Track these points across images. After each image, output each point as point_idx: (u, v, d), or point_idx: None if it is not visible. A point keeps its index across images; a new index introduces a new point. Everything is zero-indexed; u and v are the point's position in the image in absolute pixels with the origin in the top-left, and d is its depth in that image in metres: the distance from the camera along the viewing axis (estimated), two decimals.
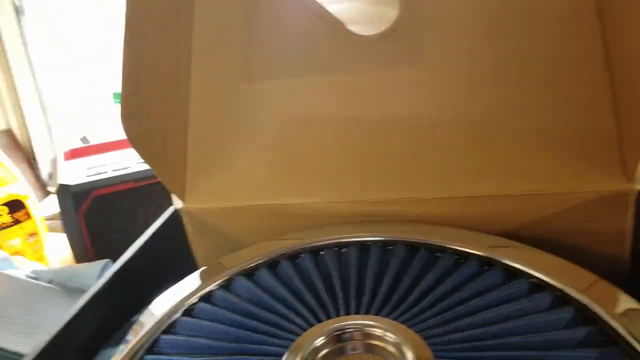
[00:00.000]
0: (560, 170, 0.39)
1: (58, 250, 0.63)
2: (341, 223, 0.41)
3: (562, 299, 0.31)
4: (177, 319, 0.34)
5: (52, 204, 0.77)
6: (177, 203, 0.46)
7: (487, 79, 0.39)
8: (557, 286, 0.32)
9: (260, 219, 0.44)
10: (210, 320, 0.33)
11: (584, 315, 0.30)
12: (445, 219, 0.40)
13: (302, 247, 0.39)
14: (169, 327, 0.34)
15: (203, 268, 0.39)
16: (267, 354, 0.29)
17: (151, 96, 0.41)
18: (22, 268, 0.55)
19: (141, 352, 0.32)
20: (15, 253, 0.57)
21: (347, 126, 0.42)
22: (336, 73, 0.41)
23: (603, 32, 0.37)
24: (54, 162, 0.58)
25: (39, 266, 0.56)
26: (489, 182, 0.39)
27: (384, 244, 0.38)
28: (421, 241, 0.38)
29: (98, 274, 0.50)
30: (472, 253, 0.36)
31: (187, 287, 0.38)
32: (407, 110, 0.40)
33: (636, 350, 0.26)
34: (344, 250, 0.38)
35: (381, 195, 0.40)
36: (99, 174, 0.53)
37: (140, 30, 0.37)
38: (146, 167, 0.53)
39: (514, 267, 0.34)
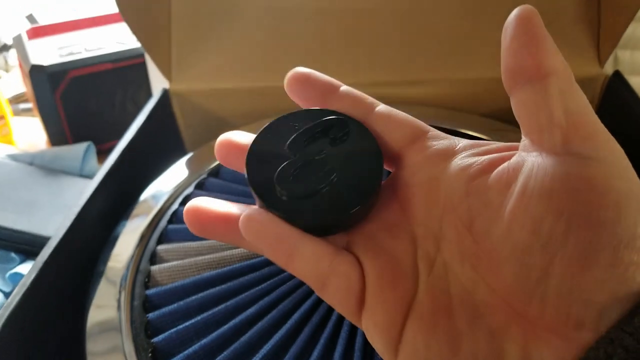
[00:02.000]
0: None
1: (25, 135, 0.62)
2: None
3: None
4: (192, 192, 0.36)
5: (5, 88, 0.72)
6: (164, 84, 0.46)
7: None
8: None
9: (249, 101, 0.45)
10: (225, 193, 0.36)
11: None
12: (436, 101, 0.43)
13: None
14: (184, 200, 0.36)
15: (206, 145, 0.41)
16: None
17: None
18: None
19: (163, 223, 0.34)
20: None
21: (339, 12, 0.42)
22: None
23: None
24: (17, 41, 0.54)
25: (13, 150, 0.54)
26: (476, 67, 0.42)
27: None
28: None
29: (82, 156, 0.50)
30: (462, 132, 0.40)
31: (191, 164, 0.40)
32: None
33: None
34: None
35: (373, 77, 0.43)
36: (72, 54, 0.50)
37: None
38: (122, 47, 0.51)
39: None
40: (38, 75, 0.49)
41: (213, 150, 0.40)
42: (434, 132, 0.19)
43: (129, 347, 0.27)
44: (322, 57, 0.44)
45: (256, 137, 0.20)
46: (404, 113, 0.20)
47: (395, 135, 0.19)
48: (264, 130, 0.20)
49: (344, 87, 0.20)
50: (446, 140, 0.19)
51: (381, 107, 0.20)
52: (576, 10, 0.42)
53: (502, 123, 0.41)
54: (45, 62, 0.49)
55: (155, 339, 0.27)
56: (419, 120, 0.20)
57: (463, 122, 0.40)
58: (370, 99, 0.20)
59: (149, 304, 0.29)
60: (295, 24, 0.44)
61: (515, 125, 0.42)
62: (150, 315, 0.28)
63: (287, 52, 0.44)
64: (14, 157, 0.51)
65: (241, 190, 0.35)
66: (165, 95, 0.45)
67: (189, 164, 0.40)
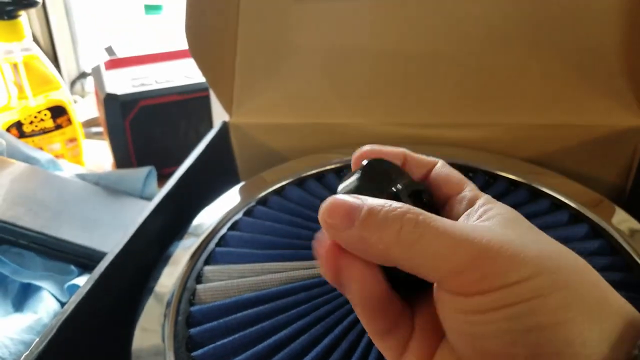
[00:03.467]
0: (587, 105, 0.42)
1: (93, 156, 0.67)
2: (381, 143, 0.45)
3: (578, 217, 0.36)
4: (240, 218, 0.38)
5: (80, 112, 0.79)
6: (224, 117, 0.49)
7: (527, 14, 0.42)
8: (574, 206, 0.37)
9: (304, 136, 0.48)
10: (271, 221, 0.37)
11: (596, 231, 0.35)
12: (478, 143, 0.44)
13: (344, 162, 0.43)
14: (232, 225, 0.38)
15: (257, 176, 0.43)
16: None
17: (209, 10, 0.43)
18: (67, 170, 0.58)
19: (211, 245, 0.36)
20: (56, 157, 0.61)
21: (391, 55, 0.44)
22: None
23: None
24: (95, 71, 0.59)
25: (82, 169, 0.59)
26: (521, 112, 0.43)
27: None
28: (455, 162, 0.42)
29: (144, 180, 0.54)
30: (501, 175, 0.40)
31: (242, 192, 0.42)
32: (448, 42, 0.43)
33: (636, 262, 0.31)
34: None
35: (422, 119, 0.44)
36: (144, 85, 0.55)
37: None
38: (189, 81, 0.56)
39: (537, 189, 0.39)
40: (111, 103, 0.54)
41: (263, 181, 0.43)
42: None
43: (170, 359, 0.29)
44: (372, 97, 0.46)
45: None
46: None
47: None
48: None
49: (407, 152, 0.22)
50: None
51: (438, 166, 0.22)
52: (617, 62, 0.42)
53: (539, 167, 0.42)
54: (119, 91, 0.54)
55: (194, 353, 0.28)
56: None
57: (501, 165, 0.41)
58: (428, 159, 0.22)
59: (192, 320, 0.31)
60: (349, 66, 0.46)
61: (552, 169, 0.42)
62: (192, 330, 0.30)
63: (340, 92, 0.47)
64: (82, 177, 0.55)
65: (287, 219, 0.37)
66: (225, 127, 0.48)
67: (241, 192, 0.42)
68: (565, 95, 0.43)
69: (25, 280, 0.47)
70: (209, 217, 0.40)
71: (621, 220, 0.36)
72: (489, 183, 0.40)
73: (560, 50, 0.42)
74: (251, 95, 0.49)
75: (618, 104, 0.42)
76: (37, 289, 0.47)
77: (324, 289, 0.30)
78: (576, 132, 0.43)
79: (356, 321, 0.28)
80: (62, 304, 0.46)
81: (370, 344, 0.27)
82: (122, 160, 0.58)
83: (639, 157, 0.44)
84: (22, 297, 0.47)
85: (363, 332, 0.27)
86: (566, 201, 0.37)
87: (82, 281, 0.46)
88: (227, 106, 0.49)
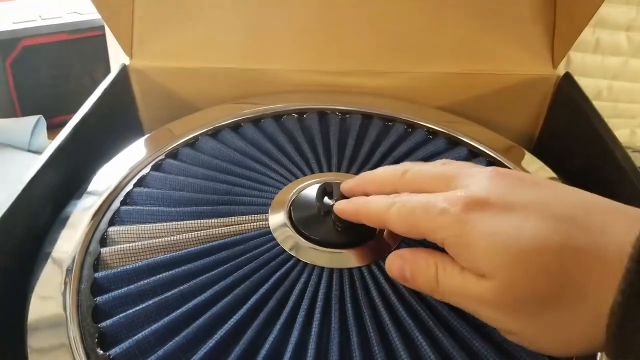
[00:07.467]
0: (499, 54, 0.43)
1: None
2: (300, 91, 0.43)
3: (494, 163, 0.37)
4: (147, 173, 0.35)
5: None
6: (124, 59, 0.44)
7: None
8: (490, 153, 0.38)
9: (215, 82, 0.44)
10: (184, 175, 0.34)
11: None
12: (395, 92, 0.43)
13: (263, 112, 0.40)
14: (139, 181, 0.35)
15: (167, 126, 0.40)
16: (253, 205, 0.31)
17: None
18: None
19: (115, 204, 0.33)
20: None
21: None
22: None
23: None
24: None
25: None
26: (436, 61, 0.43)
27: (342, 113, 0.40)
28: (374, 112, 0.41)
29: (31, 130, 0.48)
30: (419, 124, 0.40)
31: (148, 145, 0.38)
32: None
33: None
34: (305, 116, 0.40)
35: (338, 66, 0.42)
36: (26, 21, 0.47)
37: None
38: (80, 18, 0.49)
39: (455, 137, 0.39)
40: None
41: (172, 132, 0.39)
42: None
43: (75, 333, 0.26)
44: (290, 42, 0.43)
45: None
46: None
47: None
48: None
49: None
50: None
51: None
52: (533, 14, 0.43)
53: (454, 115, 0.43)
54: None
55: (102, 324, 0.25)
56: None
57: (419, 114, 0.41)
58: None
59: (97, 288, 0.28)
60: (265, 6, 0.43)
61: (467, 117, 0.43)
62: (99, 298, 0.27)
63: (257, 35, 0.43)
64: None
65: (202, 173, 0.34)
66: (124, 71, 0.43)
67: (146, 145, 0.38)
68: (476, 43, 0.43)
69: None
70: (110, 173, 0.36)
71: (530, 164, 0.38)
72: (407, 132, 0.40)
73: (479, 4, 0.42)
74: (155, 34, 0.44)
75: (531, 54, 0.43)
76: None
77: (247, 246, 0.28)
78: (488, 80, 0.43)
79: (284, 278, 0.26)
80: None
81: (299, 300, 0.25)
82: (4, 108, 0.51)
83: (547, 105, 0.45)
84: None
85: (291, 289, 0.26)
86: (482, 149, 0.38)
87: None
88: (127, 46, 0.43)
